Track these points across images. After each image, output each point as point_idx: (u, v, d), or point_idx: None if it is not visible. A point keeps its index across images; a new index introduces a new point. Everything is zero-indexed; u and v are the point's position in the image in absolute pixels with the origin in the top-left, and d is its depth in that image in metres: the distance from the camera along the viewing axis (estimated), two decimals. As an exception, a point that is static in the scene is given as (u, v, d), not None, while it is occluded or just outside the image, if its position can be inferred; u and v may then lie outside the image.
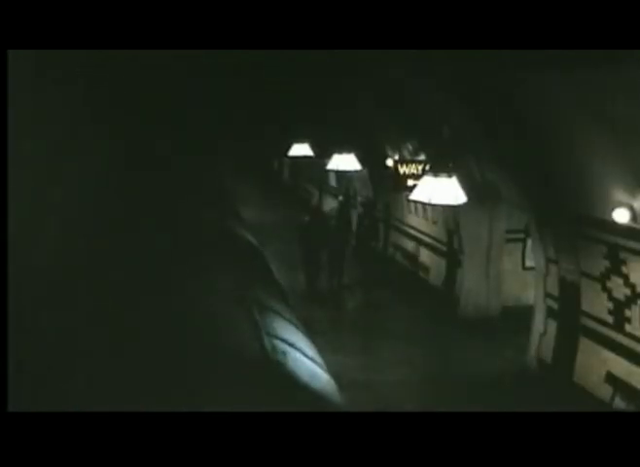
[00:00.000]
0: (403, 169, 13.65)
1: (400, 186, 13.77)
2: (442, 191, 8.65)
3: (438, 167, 8.86)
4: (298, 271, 16.16)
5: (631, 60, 5.19)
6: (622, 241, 8.64)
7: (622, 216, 8.12)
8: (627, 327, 8.91)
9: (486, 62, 7.23)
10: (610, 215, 8.28)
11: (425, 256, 16.18)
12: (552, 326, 10.69)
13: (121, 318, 3.71)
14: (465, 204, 10.15)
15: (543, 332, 10.92)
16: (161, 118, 10.32)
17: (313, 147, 17.51)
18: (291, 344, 4.49)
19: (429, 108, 11.95)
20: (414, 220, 16.70)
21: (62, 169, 5.77)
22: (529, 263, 13.40)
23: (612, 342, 9.23)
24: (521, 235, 13.88)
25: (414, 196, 9.04)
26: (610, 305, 9.26)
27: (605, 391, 9.29)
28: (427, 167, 12.30)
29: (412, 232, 16.89)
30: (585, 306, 9.85)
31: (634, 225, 8.13)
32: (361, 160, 15.08)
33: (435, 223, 15.37)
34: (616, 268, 8.99)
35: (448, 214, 14.25)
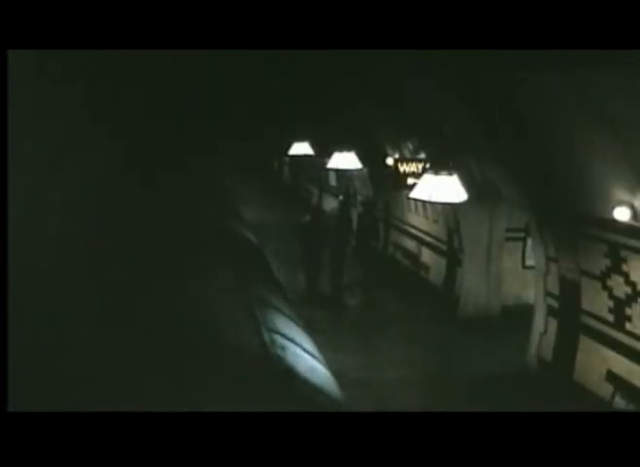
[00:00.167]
0: (403, 168, 13.67)
1: (400, 184, 13.78)
2: (442, 189, 8.65)
3: (438, 166, 8.86)
4: (298, 271, 16.16)
5: (631, 60, 5.19)
6: (622, 240, 8.65)
7: (622, 214, 8.12)
8: (628, 325, 8.91)
9: (486, 62, 7.23)
10: (610, 213, 8.28)
11: (425, 255, 16.18)
12: (553, 325, 10.69)
13: (121, 318, 3.71)
14: (465, 203, 10.15)
15: (543, 331, 10.92)
16: (161, 118, 10.32)
17: (313, 146, 17.52)
18: (290, 339, 4.52)
19: (429, 108, 11.95)
20: (415, 219, 16.70)
21: (62, 169, 5.77)
22: (529, 262, 13.41)
23: (612, 341, 9.23)
24: (521, 234, 13.89)
25: (415, 193, 9.04)
26: (610, 303, 9.26)
27: (605, 390, 9.29)
28: (427, 166, 12.31)
29: (413, 231, 16.89)
30: (585, 305, 9.86)
31: (635, 223, 8.13)
32: (361, 159, 15.08)
33: (435, 222, 15.37)
34: (616, 266, 8.99)
35: (449, 213, 14.26)
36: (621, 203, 8.14)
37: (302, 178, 31.51)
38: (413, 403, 9.90)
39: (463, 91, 9.88)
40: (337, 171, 22.62)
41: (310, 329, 5.59)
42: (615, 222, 8.34)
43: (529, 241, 13.20)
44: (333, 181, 24.72)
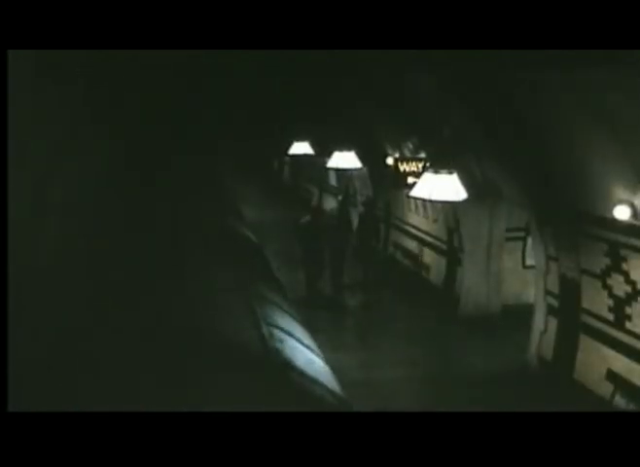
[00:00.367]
0: (403, 167, 13.66)
1: (400, 183, 13.77)
2: (442, 187, 8.64)
3: (438, 164, 8.85)
4: (298, 271, 16.15)
5: (631, 60, 5.18)
6: (622, 238, 8.64)
7: (622, 213, 8.11)
8: (628, 324, 8.91)
9: (486, 62, 7.22)
10: (610, 212, 8.27)
11: (425, 254, 16.18)
12: (553, 324, 10.69)
13: (121, 318, 3.71)
14: (465, 203, 10.14)
15: (543, 330, 10.92)
16: (161, 118, 10.32)
17: (313, 145, 17.51)
18: (288, 333, 4.62)
19: (429, 108, 11.95)
20: (415, 218, 16.70)
21: (62, 169, 5.77)
22: (529, 261, 13.40)
23: (612, 340, 9.23)
24: (522, 234, 13.88)
25: (415, 192, 9.03)
26: (610, 302, 9.26)
27: (605, 388, 9.30)
28: (427, 165, 12.30)
29: (413, 230, 16.89)
30: (585, 304, 9.86)
31: (635, 222, 8.12)
32: (361, 158, 15.08)
33: (435, 221, 15.37)
34: (616, 265, 8.99)
35: (449, 212, 14.25)
36: (621, 202, 8.13)
37: (302, 178, 31.49)
38: (413, 402, 9.90)
39: (463, 91, 9.87)
40: (338, 171, 22.62)
41: (310, 328, 5.60)
42: (615, 221, 8.33)
43: (529, 241, 13.19)
44: (333, 181, 24.71)
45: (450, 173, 8.72)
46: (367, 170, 18.22)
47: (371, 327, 14.22)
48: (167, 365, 3.28)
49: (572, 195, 9.34)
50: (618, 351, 9.11)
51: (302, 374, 3.94)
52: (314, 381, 4.01)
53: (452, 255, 14.57)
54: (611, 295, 9.23)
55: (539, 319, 11.08)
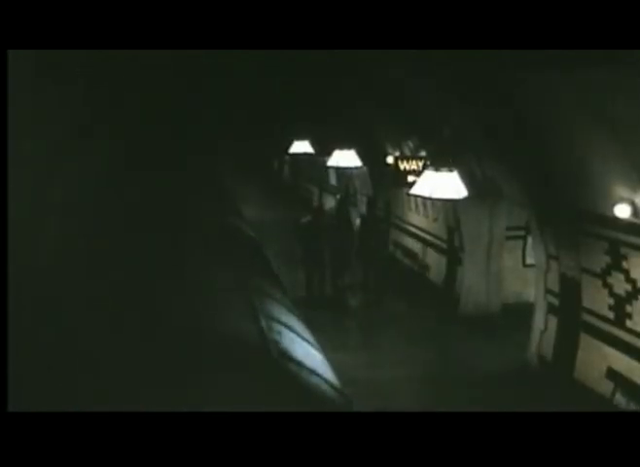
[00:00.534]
0: (403, 165, 13.65)
1: (400, 182, 13.77)
2: (443, 185, 8.64)
3: (438, 163, 8.86)
4: (298, 271, 16.14)
5: (631, 60, 5.19)
6: (622, 237, 8.64)
7: (622, 211, 8.11)
8: (628, 323, 8.91)
9: (486, 62, 7.23)
10: (611, 211, 8.27)
11: (425, 254, 16.18)
12: (553, 322, 10.70)
13: (121, 318, 3.71)
14: (465, 202, 10.15)
15: (543, 328, 10.92)
16: (161, 118, 10.32)
17: (313, 144, 17.52)
18: (287, 326, 4.69)
19: (429, 107, 11.95)
20: (415, 218, 16.70)
21: (62, 169, 5.77)
22: (530, 260, 13.40)
23: (613, 338, 9.23)
24: (522, 233, 13.88)
25: (416, 190, 9.03)
26: (611, 300, 9.26)
27: (606, 387, 9.30)
28: (428, 163, 12.29)
29: (413, 229, 16.89)
30: (585, 303, 9.86)
31: (635, 220, 8.12)
32: (361, 157, 15.08)
33: (435, 220, 15.37)
34: (616, 263, 8.99)
35: (449, 211, 14.25)
36: (621, 200, 8.13)
37: (302, 177, 31.50)
38: (414, 402, 9.91)
39: (463, 91, 9.87)
40: (338, 170, 22.63)
41: (310, 328, 5.61)
42: (615, 219, 8.33)
43: (529, 240, 13.20)
44: (333, 180, 24.72)
45: (451, 171, 8.72)
46: (367, 169, 18.22)
47: (371, 326, 14.22)
48: (167, 364, 3.28)
49: (572, 193, 9.34)
50: (618, 350, 9.12)
51: (299, 364, 4.00)
52: (312, 372, 4.06)
53: (452, 254, 14.57)
54: (611, 293, 9.23)
55: (539, 318, 11.08)
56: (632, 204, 8.04)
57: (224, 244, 6.84)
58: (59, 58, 4.58)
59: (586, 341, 9.86)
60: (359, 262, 16.53)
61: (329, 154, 15.17)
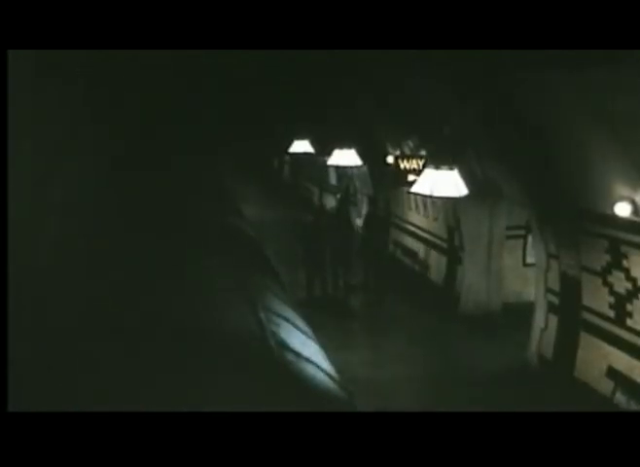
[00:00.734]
0: (404, 164, 13.65)
1: (401, 181, 13.76)
2: (443, 183, 8.63)
3: (439, 161, 8.84)
4: (298, 270, 16.14)
5: (631, 60, 5.19)
6: (623, 235, 8.63)
7: (623, 210, 8.10)
8: (629, 321, 8.90)
9: (486, 62, 7.23)
10: (611, 209, 8.26)
11: (425, 253, 16.17)
12: (553, 321, 10.70)
13: (121, 318, 3.72)
14: (465, 201, 10.14)
15: (544, 327, 10.92)
16: (161, 118, 10.32)
17: (313, 144, 17.51)
18: (284, 318, 4.82)
19: (429, 107, 11.95)
20: (415, 217, 16.69)
21: (62, 169, 5.77)
22: (530, 259, 13.41)
23: (613, 337, 9.23)
24: (522, 232, 13.87)
25: (416, 188, 9.02)
26: (611, 299, 9.26)
27: (606, 386, 9.30)
28: (428, 162, 12.28)
29: (413, 229, 16.89)
30: (586, 301, 9.86)
31: (635, 218, 8.11)
32: (361, 156, 15.07)
33: (435, 220, 15.36)
34: (617, 262, 8.98)
35: (449, 211, 14.25)
36: (621, 199, 8.12)
37: (302, 177, 31.49)
38: (414, 401, 9.91)
39: (463, 91, 9.87)
40: (338, 170, 22.63)
41: (311, 327, 5.62)
42: (615, 217, 8.32)
43: (530, 239, 13.19)
44: (333, 180, 24.71)
45: (451, 169, 8.71)
46: (367, 169, 18.21)
47: (371, 326, 14.22)
48: (167, 363, 3.28)
49: (572, 192, 9.34)
50: (618, 348, 9.11)
51: (297, 354, 4.10)
52: (308, 360, 4.16)
53: (453, 253, 14.57)
54: (612, 292, 9.23)
55: (539, 317, 11.08)
56: (632, 203, 8.03)
57: (224, 243, 6.85)
58: (59, 58, 4.58)
59: (586, 339, 9.86)
60: (359, 261, 16.53)
61: (329, 153, 15.17)
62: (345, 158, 14.70)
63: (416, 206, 16.33)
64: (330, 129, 17.40)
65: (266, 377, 3.48)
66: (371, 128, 16.38)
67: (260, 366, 3.61)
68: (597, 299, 9.57)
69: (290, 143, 17.82)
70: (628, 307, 8.90)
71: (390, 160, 14.73)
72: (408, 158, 13.83)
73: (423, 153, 13.93)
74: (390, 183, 15.42)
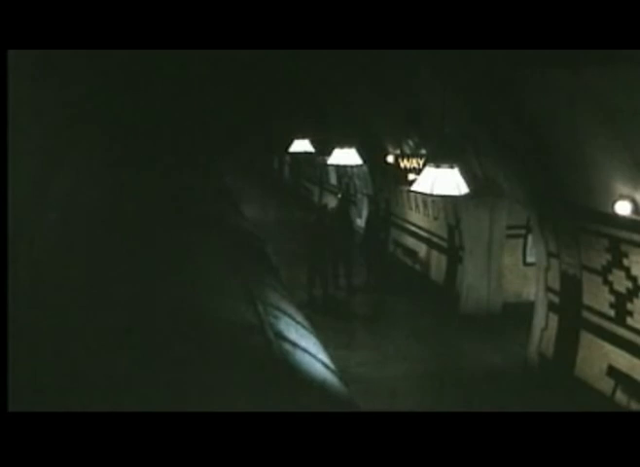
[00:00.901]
0: (404, 163, 13.64)
1: (401, 180, 13.76)
2: (444, 182, 8.60)
3: (439, 159, 8.82)
4: (299, 270, 16.14)
5: (631, 60, 5.19)
6: (623, 234, 8.63)
7: (623, 208, 8.09)
8: (629, 320, 8.90)
9: (487, 61, 7.23)
10: (611, 208, 8.25)
11: (426, 252, 16.18)
12: (554, 320, 10.69)
13: (120, 318, 3.72)
14: (466, 200, 10.12)
15: (544, 326, 10.92)
16: (162, 118, 10.33)
17: (313, 143, 17.50)
18: (282, 311, 4.94)
19: (429, 106, 11.94)
20: (415, 216, 16.70)
21: (62, 169, 5.78)
22: (530, 258, 13.42)
23: (613, 336, 9.23)
24: (522, 231, 13.88)
25: (416, 187, 9.01)
26: (611, 298, 9.25)
27: (606, 385, 9.30)
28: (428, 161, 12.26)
29: (413, 228, 16.89)
30: (586, 300, 9.85)
31: (636, 217, 8.10)
32: (361, 156, 15.06)
33: (436, 219, 15.37)
34: (617, 260, 8.98)
35: (449, 210, 14.25)
36: (622, 197, 8.11)
37: (302, 177, 31.49)
38: (414, 399, 9.92)
39: (464, 90, 9.87)
40: (338, 170, 22.61)
41: (312, 327, 5.64)
42: (616, 216, 8.31)
43: (530, 239, 13.19)
44: (333, 179, 24.71)
45: (452, 167, 8.69)
46: (367, 168, 18.21)
47: (371, 325, 14.22)
48: (168, 362, 3.29)
49: (573, 191, 9.34)
50: (619, 347, 9.11)
51: (294, 344, 4.19)
52: (305, 351, 4.26)
53: (453, 253, 14.57)
54: (612, 291, 9.23)
55: (540, 316, 11.08)
56: (633, 201, 8.02)
57: (224, 243, 6.85)
58: (59, 58, 4.58)
59: (586, 338, 9.86)
60: (360, 261, 16.54)
61: (329, 153, 15.16)
62: (345, 157, 14.69)
63: (416, 205, 16.33)
64: (330, 128, 17.40)
65: (264, 367, 3.54)
66: (371, 127, 16.38)
67: (258, 357, 3.67)
68: (598, 298, 9.57)
69: (290, 143, 17.80)
70: (629, 306, 8.90)
71: (390, 159, 14.73)
72: (409, 157, 13.83)
73: (423, 152, 13.93)
74: (390, 182, 15.42)
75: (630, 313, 8.88)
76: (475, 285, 13.86)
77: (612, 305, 9.26)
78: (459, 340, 12.84)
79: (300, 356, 4.07)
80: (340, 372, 4.81)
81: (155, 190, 7.50)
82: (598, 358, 9.55)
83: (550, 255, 10.66)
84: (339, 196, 20.25)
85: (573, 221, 9.69)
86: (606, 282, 9.34)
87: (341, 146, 14.59)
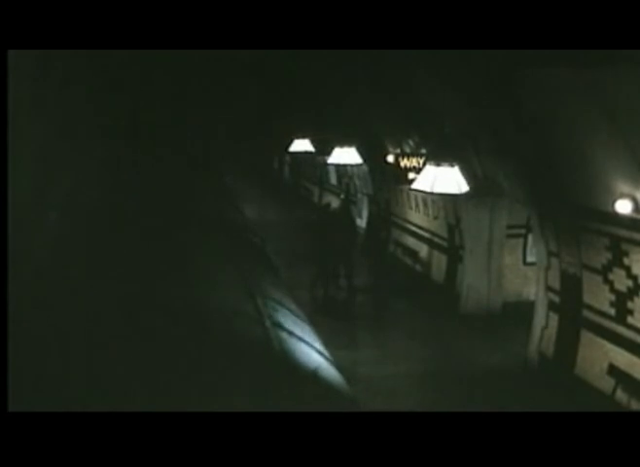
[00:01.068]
0: (404, 162, 13.64)
1: (401, 179, 13.76)
2: (444, 180, 8.60)
3: (439, 158, 8.82)
4: (299, 270, 16.13)
5: (632, 60, 5.18)
6: (623, 233, 8.62)
7: (623, 207, 8.08)
8: (629, 319, 8.89)
9: (487, 61, 7.22)
10: (612, 206, 8.24)
11: (426, 252, 16.18)
12: (554, 319, 10.69)
13: (120, 318, 3.72)
14: (466, 200, 10.11)
15: (544, 325, 10.92)
16: (162, 117, 10.33)
17: (314, 143, 17.50)
18: (280, 304, 5.05)
19: (430, 105, 11.95)
20: (415, 216, 16.70)
21: (62, 169, 5.78)
22: (530, 258, 13.42)
23: (614, 335, 9.22)
24: (522, 231, 13.87)
25: (417, 185, 8.99)
26: (612, 297, 9.25)
27: (607, 383, 9.29)
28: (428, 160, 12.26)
29: (413, 228, 16.89)
30: (586, 299, 9.85)
31: (636, 216, 8.09)
32: (362, 155, 15.07)
33: (435, 218, 15.37)
34: (618, 259, 8.97)
35: (449, 209, 14.25)
36: (622, 196, 8.10)
37: (302, 176, 31.48)
38: (414, 398, 9.91)
39: (464, 89, 9.87)
40: (338, 169, 22.61)
41: (312, 327, 5.65)
42: (616, 215, 8.31)
43: (530, 238, 13.19)
44: (333, 179, 24.71)
45: (452, 166, 8.69)
46: (367, 168, 18.20)
47: (371, 325, 14.21)
48: (168, 362, 3.29)
49: (573, 190, 9.33)
50: (619, 346, 9.10)
51: (290, 333, 4.31)
52: (300, 339, 4.37)
53: (453, 252, 14.57)
54: (612, 290, 9.22)
55: (540, 315, 11.08)
56: (633, 200, 8.01)
57: (224, 242, 6.86)
58: (59, 58, 4.58)
59: (587, 337, 9.85)
60: (360, 260, 16.53)
61: (329, 152, 15.16)
62: (346, 156, 14.69)
63: (417, 205, 16.33)
64: (330, 128, 17.40)
65: (265, 363, 3.56)
66: (371, 127, 16.38)
67: (257, 347, 3.73)
68: (598, 296, 9.57)
69: (290, 142, 17.80)
70: (629, 305, 8.89)
71: (390, 158, 14.73)
72: (409, 156, 13.83)
73: (423, 151, 13.93)
74: (391, 181, 15.41)
75: (631, 312, 8.87)
76: (475, 285, 13.86)
77: (612, 304, 9.25)
78: (459, 339, 12.84)
79: (294, 343, 4.16)
80: (341, 372, 4.83)
81: (155, 190, 7.50)
82: (598, 357, 9.55)
83: (550, 254, 10.66)
84: (342, 196, 20.26)
85: (573, 220, 9.69)
86: (606, 281, 9.33)
87: (341, 145, 14.60)
